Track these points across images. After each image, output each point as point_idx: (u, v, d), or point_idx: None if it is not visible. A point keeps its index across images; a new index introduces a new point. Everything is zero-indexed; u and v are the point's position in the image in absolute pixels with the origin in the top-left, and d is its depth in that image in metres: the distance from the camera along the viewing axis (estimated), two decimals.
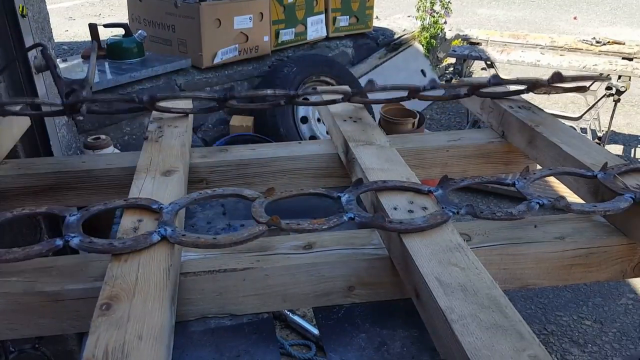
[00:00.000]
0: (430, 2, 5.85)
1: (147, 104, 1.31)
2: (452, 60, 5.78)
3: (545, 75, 1.41)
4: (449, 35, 5.85)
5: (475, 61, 5.20)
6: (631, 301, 3.05)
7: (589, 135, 4.02)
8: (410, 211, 1.01)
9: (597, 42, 3.92)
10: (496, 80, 1.43)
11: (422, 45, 5.75)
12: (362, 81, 4.73)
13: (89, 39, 3.60)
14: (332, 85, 3.62)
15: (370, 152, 1.27)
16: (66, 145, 2.50)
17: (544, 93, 1.48)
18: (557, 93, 1.48)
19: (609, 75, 1.29)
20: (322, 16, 4.63)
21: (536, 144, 1.34)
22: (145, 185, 1.11)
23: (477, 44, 4.33)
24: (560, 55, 3.92)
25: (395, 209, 1.02)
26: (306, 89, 1.45)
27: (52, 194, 1.32)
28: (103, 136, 2.66)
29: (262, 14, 4.04)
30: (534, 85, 1.41)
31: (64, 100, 1.27)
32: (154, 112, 1.48)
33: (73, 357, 2.29)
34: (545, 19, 9.60)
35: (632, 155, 4.71)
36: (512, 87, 1.52)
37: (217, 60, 3.90)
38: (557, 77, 1.38)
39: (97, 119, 3.22)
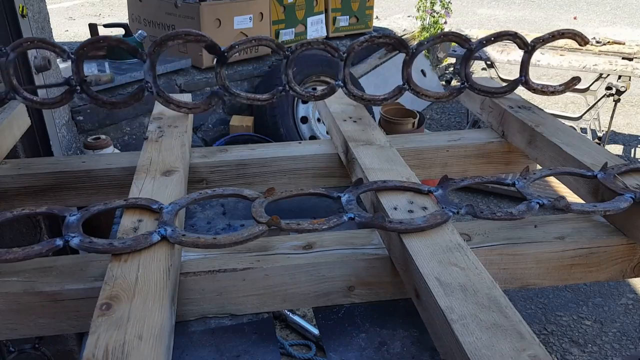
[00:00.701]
0: (431, 2, 5.86)
1: (151, 55, 1.27)
2: (452, 60, 5.78)
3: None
4: None
5: (476, 61, 5.20)
6: (631, 301, 3.05)
7: (589, 135, 4.02)
8: (410, 211, 1.01)
9: (597, 42, 3.92)
10: (480, 40, 1.41)
11: None
12: (362, 81, 4.73)
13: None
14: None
15: (370, 152, 1.27)
16: (66, 145, 2.50)
17: (542, 93, 1.48)
18: (558, 94, 1.48)
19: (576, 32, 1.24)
20: (322, 16, 4.63)
21: (536, 144, 1.34)
22: (145, 185, 1.11)
23: None
24: (560, 55, 3.92)
25: (395, 209, 1.02)
26: (306, 89, 1.43)
27: (52, 194, 1.32)
28: (103, 136, 2.66)
29: (262, 14, 4.04)
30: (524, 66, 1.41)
31: (70, 53, 1.23)
32: (153, 112, 1.48)
33: (73, 357, 2.29)
34: (545, 19, 9.60)
35: (632, 155, 4.71)
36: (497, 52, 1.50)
37: None
38: (538, 40, 1.40)
39: (98, 118, 3.23)
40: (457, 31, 1.45)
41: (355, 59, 5.13)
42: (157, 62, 1.32)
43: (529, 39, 1.42)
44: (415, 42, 1.41)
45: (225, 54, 1.32)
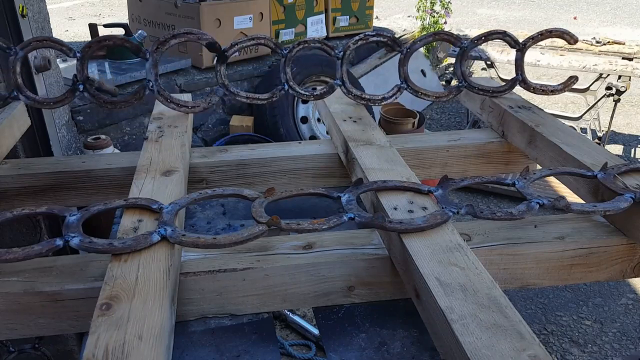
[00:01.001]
0: (431, 2, 5.86)
1: (154, 53, 1.31)
2: (452, 60, 5.78)
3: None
4: None
5: (475, 61, 5.20)
6: (631, 301, 3.05)
7: (589, 135, 4.02)
8: (410, 211, 1.01)
9: (597, 42, 3.92)
10: (472, 40, 1.46)
11: None
12: (362, 81, 4.73)
13: (89, 39, 3.60)
14: None
15: (370, 152, 1.27)
16: (66, 145, 2.50)
17: (542, 92, 1.48)
18: (557, 93, 1.49)
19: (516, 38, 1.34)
20: (322, 16, 4.63)
21: (536, 144, 1.34)
22: (145, 185, 1.11)
23: None
24: (560, 55, 3.92)
25: (395, 209, 1.02)
26: (306, 89, 1.44)
27: (52, 194, 1.32)
28: (103, 136, 2.66)
29: (262, 14, 4.05)
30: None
31: (77, 52, 1.28)
32: (153, 112, 1.48)
33: (73, 357, 2.29)
34: (545, 19, 9.60)
35: (632, 155, 4.71)
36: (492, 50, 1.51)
37: None
38: (528, 39, 1.44)
39: (98, 119, 3.23)
40: (457, 31, 1.47)
41: (355, 59, 5.14)
42: (159, 61, 1.34)
43: (519, 38, 1.44)
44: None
45: (226, 52, 1.34)
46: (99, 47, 1.29)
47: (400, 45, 1.42)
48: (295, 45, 1.39)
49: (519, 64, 1.46)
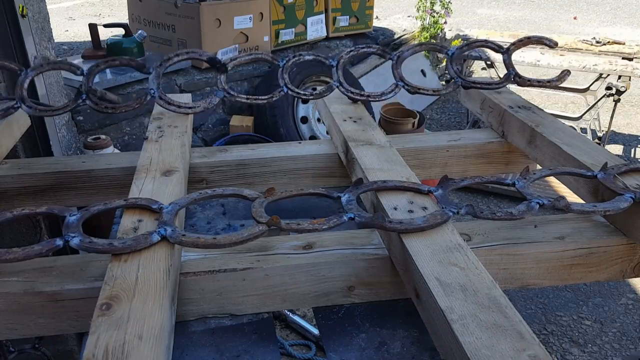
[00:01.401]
0: (430, 2, 5.85)
1: (157, 68, 1.39)
2: None
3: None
4: (449, 35, 5.84)
5: (475, 61, 5.20)
6: (631, 301, 3.05)
7: (589, 135, 4.02)
8: (410, 211, 1.01)
9: (597, 42, 3.92)
10: (457, 47, 1.55)
11: None
12: (362, 81, 4.73)
13: (89, 39, 3.61)
14: None
15: (370, 152, 1.27)
16: (66, 145, 2.50)
17: (538, 85, 1.50)
18: (553, 86, 1.50)
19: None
20: (322, 16, 4.63)
21: (536, 144, 1.34)
22: (145, 185, 1.11)
23: None
24: (560, 55, 3.92)
25: (395, 209, 1.02)
26: (306, 89, 1.47)
27: (52, 194, 1.32)
28: (103, 136, 2.66)
29: (262, 14, 4.05)
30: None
31: (83, 71, 1.37)
32: (153, 112, 1.48)
33: (73, 357, 2.29)
34: (545, 19, 9.59)
35: (632, 155, 4.71)
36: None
37: None
38: (511, 44, 1.51)
39: (97, 119, 3.23)
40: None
41: (355, 59, 5.13)
42: (162, 73, 1.42)
43: (505, 41, 1.51)
44: (416, 42, 1.47)
45: (225, 65, 1.42)
46: (107, 66, 1.39)
47: (390, 53, 1.52)
48: (291, 58, 1.48)
49: (507, 63, 1.53)
